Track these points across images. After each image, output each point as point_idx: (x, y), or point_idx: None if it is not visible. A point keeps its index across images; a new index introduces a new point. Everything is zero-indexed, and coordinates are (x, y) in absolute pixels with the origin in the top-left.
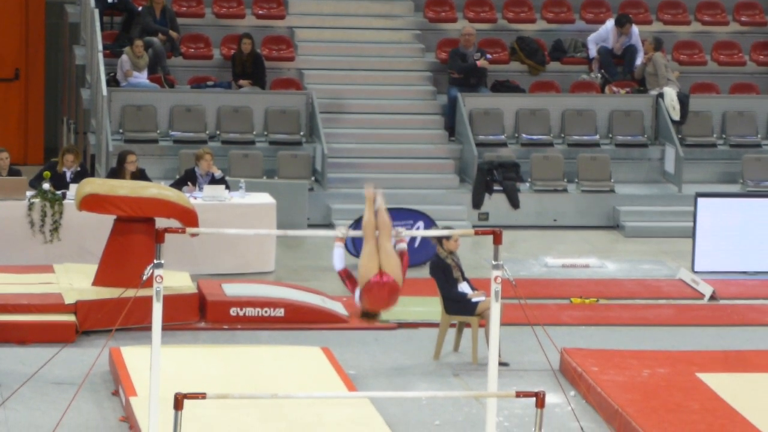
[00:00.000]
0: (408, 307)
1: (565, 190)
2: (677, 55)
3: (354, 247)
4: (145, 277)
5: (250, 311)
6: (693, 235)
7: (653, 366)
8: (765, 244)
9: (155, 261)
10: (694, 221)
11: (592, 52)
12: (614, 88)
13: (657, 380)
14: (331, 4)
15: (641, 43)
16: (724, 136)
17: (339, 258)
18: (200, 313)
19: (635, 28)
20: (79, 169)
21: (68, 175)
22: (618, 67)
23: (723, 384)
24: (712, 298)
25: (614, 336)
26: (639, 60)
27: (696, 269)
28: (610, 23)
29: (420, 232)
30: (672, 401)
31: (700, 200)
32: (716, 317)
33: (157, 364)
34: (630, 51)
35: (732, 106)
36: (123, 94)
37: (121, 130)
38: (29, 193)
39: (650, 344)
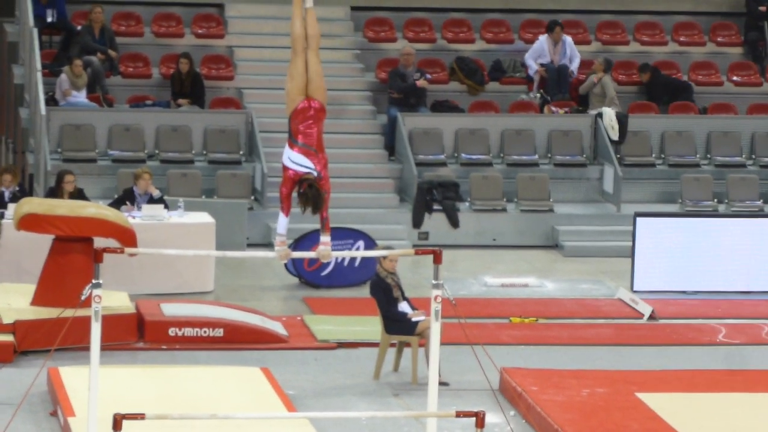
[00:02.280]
0: (348, 327)
1: (504, 210)
2: (615, 75)
3: (294, 267)
4: (83, 297)
5: (188, 331)
6: (632, 255)
7: (592, 385)
8: (703, 264)
9: (94, 281)
10: (633, 241)
11: (532, 68)
12: (553, 108)
13: (596, 400)
14: (271, 23)
15: (593, 63)
16: (662, 155)
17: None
18: (139, 333)
19: (568, 40)
20: (17, 188)
21: (6, 194)
22: (557, 86)
23: (662, 404)
24: (651, 317)
25: (553, 355)
26: (573, 75)
27: (635, 289)
28: (542, 37)
29: (357, 252)
30: (611, 421)
31: (639, 220)
32: (655, 336)
33: (95, 384)
34: (563, 69)
35: (670, 125)
36: (62, 113)
37: (59, 150)
38: None
39: (589, 364)
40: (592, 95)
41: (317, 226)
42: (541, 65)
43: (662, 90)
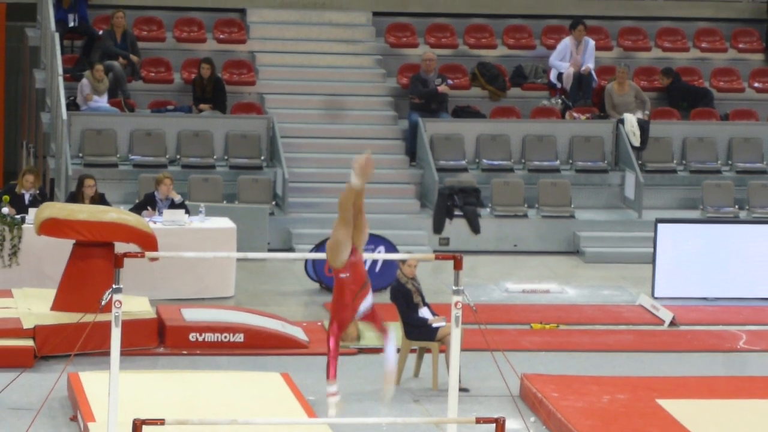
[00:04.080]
0: (368, 332)
1: (525, 216)
2: (637, 81)
3: (315, 272)
4: (104, 302)
5: (209, 336)
6: (653, 261)
7: (613, 392)
8: (725, 270)
9: (114, 286)
10: (654, 247)
11: (560, 68)
12: (575, 114)
13: (617, 406)
14: (293, 28)
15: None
16: (684, 162)
17: None
18: (159, 338)
19: (591, 43)
20: (37, 192)
21: (27, 197)
22: (579, 92)
23: (683, 410)
24: (672, 323)
25: (574, 361)
26: (596, 82)
27: (656, 295)
28: (566, 40)
29: (378, 255)
30: (632, 427)
31: (660, 226)
32: (676, 343)
33: (115, 389)
34: (585, 76)
35: (692, 132)
36: (83, 118)
37: (80, 154)
38: None
39: (610, 370)
40: (608, 104)
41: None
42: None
43: (682, 96)
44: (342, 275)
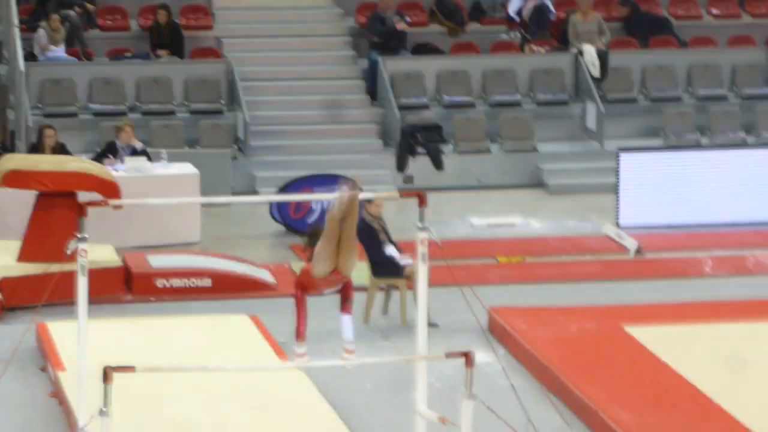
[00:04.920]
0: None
1: (488, 151)
2: (594, 12)
3: (280, 215)
4: (69, 252)
5: (176, 282)
6: (617, 191)
7: (581, 321)
8: (688, 197)
9: (79, 235)
10: (618, 177)
11: (514, 4)
12: (534, 47)
13: (585, 335)
14: None
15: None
16: (644, 91)
17: None
18: (126, 286)
19: None
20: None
21: None
22: (537, 25)
23: (650, 336)
24: (638, 252)
25: (541, 293)
26: (553, 14)
27: (621, 224)
28: None
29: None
30: (600, 355)
31: (623, 155)
32: (642, 271)
33: (84, 338)
34: (543, 8)
35: (651, 61)
36: (41, 68)
37: (40, 105)
38: None
39: (577, 300)
40: (572, 34)
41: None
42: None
43: (641, 25)
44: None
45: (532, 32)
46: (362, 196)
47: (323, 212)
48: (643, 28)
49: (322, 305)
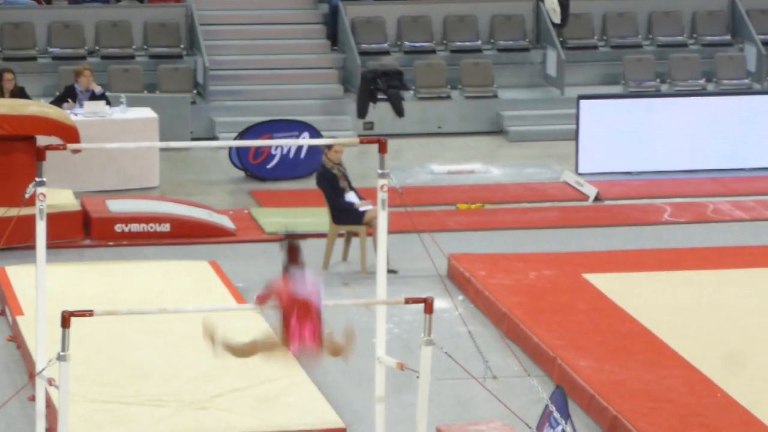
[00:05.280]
0: (295, 218)
1: (448, 97)
2: None
3: (240, 160)
4: (27, 196)
5: (135, 227)
6: (576, 138)
7: (540, 268)
8: (648, 144)
9: (37, 179)
10: (577, 123)
11: None
12: None
13: (544, 282)
14: None
15: None
16: (605, 37)
17: None
18: (85, 231)
19: None
20: None
21: None
22: None
23: (609, 284)
24: (597, 199)
25: (500, 240)
26: None
27: (580, 171)
28: None
29: (303, 141)
30: (559, 302)
31: (582, 102)
32: (601, 218)
33: (42, 282)
34: None
35: (612, 7)
36: (0, 12)
37: None
38: None
39: (536, 247)
40: None
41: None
42: None
43: None
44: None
45: None
46: (323, 141)
47: (283, 158)
48: None
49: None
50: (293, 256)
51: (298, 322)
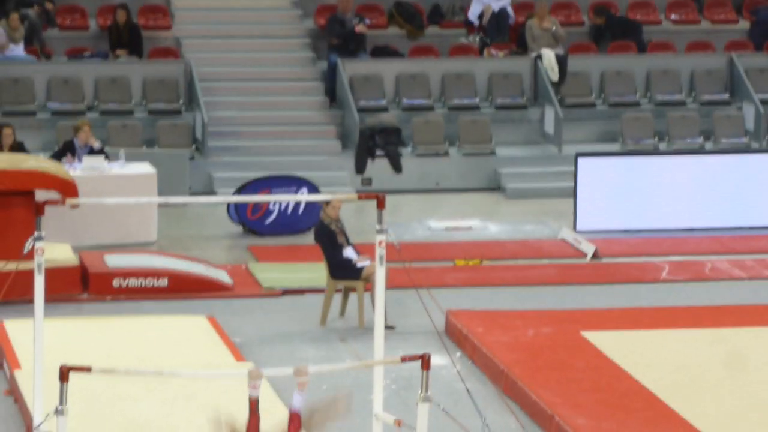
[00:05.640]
0: (293, 274)
1: (446, 154)
2: (555, 16)
3: (237, 215)
4: (26, 250)
5: (133, 282)
6: (574, 195)
7: (538, 325)
8: (646, 202)
9: (36, 233)
10: (575, 181)
11: (475, 8)
12: (493, 51)
13: (542, 339)
14: None
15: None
16: (602, 95)
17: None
18: (83, 285)
19: None
20: None
21: None
22: (496, 29)
23: (607, 342)
24: (595, 256)
25: (498, 297)
26: (512, 19)
27: (578, 229)
28: None
29: (301, 197)
30: (557, 360)
31: (581, 160)
32: (599, 276)
33: (40, 336)
34: (502, 12)
35: (610, 65)
36: None
37: None
38: None
39: (534, 304)
40: (530, 37)
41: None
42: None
43: (617, 31)
44: None
45: (492, 36)
46: (321, 197)
47: (281, 213)
48: (617, 35)
49: (276, 310)
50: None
51: None
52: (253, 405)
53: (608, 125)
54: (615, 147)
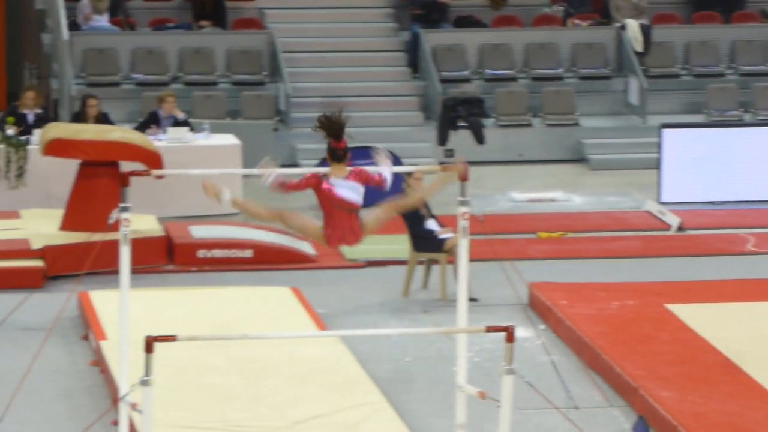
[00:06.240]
0: (376, 245)
1: (529, 125)
2: None
3: None
4: (111, 221)
5: (217, 253)
6: (659, 166)
7: (622, 298)
8: (730, 174)
9: (121, 204)
10: (660, 152)
11: None
12: (576, 21)
13: (626, 312)
14: None
15: None
16: (687, 66)
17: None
18: (168, 256)
19: None
20: (40, 111)
21: (30, 117)
22: None
23: (692, 314)
24: (680, 228)
25: (582, 269)
26: None
27: (662, 200)
28: None
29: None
30: (641, 332)
31: (665, 131)
32: (683, 248)
33: (126, 307)
34: None
35: (694, 35)
36: (84, 37)
37: (83, 74)
38: None
39: (618, 276)
40: (613, 8)
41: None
42: None
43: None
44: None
45: (575, 6)
46: (403, 168)
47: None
48: (723, 3)
49: (357, 278)
50: (337, 134)
51: (341, 227)
52: (283, 186)
53: (693, 96)
54: (699, 118)
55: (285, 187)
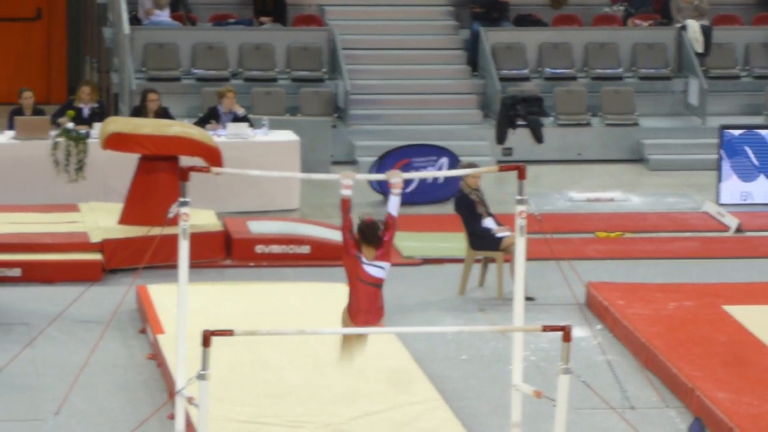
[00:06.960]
0: (433, 243)
1: (588, 124)
2: None
3: (379, 185)
4: (170, 215)
5: (275, 248)
6: (718, 168)
7: (679, 299)
8: None
9: (181, 199)
10: (719, 153)
11: None
12: (637, 21)
13: (683, 313)
14: None
15: None
16: (747, 67)
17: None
18: (226, 251)
19: None
20: (96, 105)
21: (85, 111)
22: None
23: (750, 316)
24: (738, 230)
25: (639, 269)
26: None
27: (721, 201)
28: None
29: (440, 173)
30: (698, 334)
31: (725, 132)
32: (742, 249)
33: (184, 301)
34: None
35: (755, 37)
36: (145, 32)
37: (143, 69)
38: (53, 133)
39: (676, 277)
40: (674, 8)
41: None
42: None
43: None
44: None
45: (636, 6)
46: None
47: (421, 183)
48: None
49: (413, 276)
50: (375, 241)
51: (365, 309)
52: (346, 205)
53: (752, 98)
54: (759, 120)
55: (344, 210)
